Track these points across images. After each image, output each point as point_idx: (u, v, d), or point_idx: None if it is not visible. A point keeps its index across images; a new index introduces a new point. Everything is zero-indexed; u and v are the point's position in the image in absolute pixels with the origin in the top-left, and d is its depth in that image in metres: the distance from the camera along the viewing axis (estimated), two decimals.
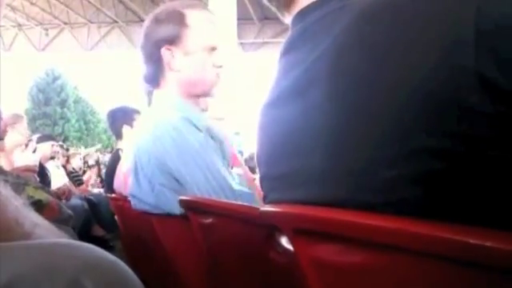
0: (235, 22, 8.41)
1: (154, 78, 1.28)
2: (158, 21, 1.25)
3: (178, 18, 1.24)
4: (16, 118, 3.17)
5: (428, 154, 0.43)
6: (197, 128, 1.17)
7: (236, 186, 1.13)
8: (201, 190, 1.09)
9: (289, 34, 0.66)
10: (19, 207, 0.58)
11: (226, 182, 1.11)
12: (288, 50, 0.65)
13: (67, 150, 6.37)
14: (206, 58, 1.26)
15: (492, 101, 0.40)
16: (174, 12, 1.25)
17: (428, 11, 0.45)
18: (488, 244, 0.33)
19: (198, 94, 1.30)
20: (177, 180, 1.12)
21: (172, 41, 1.23)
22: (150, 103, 2.10)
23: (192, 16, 1.25)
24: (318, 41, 0.57)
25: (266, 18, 14.68)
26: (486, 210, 0.41)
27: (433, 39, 0.43)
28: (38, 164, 2.96)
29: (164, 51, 1.23)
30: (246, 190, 1.15)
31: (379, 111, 0.47)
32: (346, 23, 0.52)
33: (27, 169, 2.58)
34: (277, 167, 0.64)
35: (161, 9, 1.29)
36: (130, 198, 1.33)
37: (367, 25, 0.50)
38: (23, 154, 3.06)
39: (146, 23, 1.28)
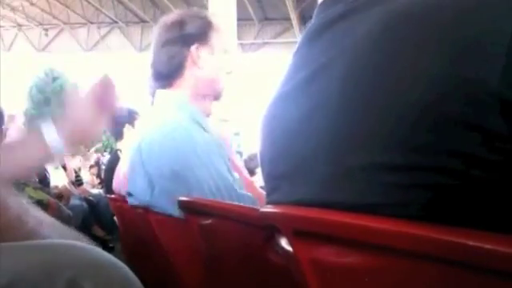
0: (235, 22, 8.41)
1: (170, 77, 1.30)
2: (183, 22, 1.29)
3: (205, 19, 1.31)
4: (10, 118, 3.18)
5: (432, 170, 0.43)
6: (204, 129, 1.19)
7: (239, 189, 1.13)
8: (205, 190, 1.09)
9: (311, 23, 0.65)
10: (24, 205, 0.58)
11: (230, 184, 1.12)
12: (303, 44, 0.64)
13: None
14: (223, 60, 1.33)
15: (509, 125, 0.40)
16: (198, 14, 1.32)
17: (456, 26, 0.44)
18: (487, 246, 0.33)
19: (211, 95, 1.33)
20: (181, 179, 1.11)
21: (202, 39, 1.28)
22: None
23: (213, 19, 1.32)
24: (337, 40, 0.56)
25: (266, 18, 14.69)
26: (487, 222, 0.41)
27: (460, 56, 0.42)
28: None
29: (194, 49, 1.27)
30: (248, 193, 1.15)
31: (384, 117, 0.47)
32: (367, 29, 0.52)
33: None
34: (280, 165, 0.63)
35: (178, 14, 1.33)
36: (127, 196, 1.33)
37: (389, 32, 0.49)
38: None
39: (166, 27, 1.31)
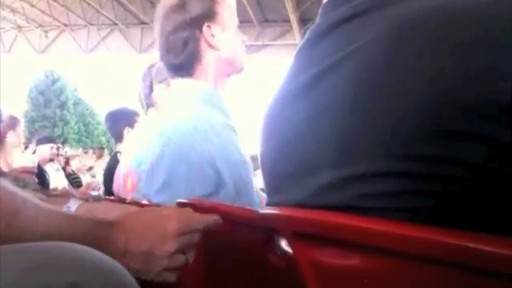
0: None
1: (188, 67, 1.22)
2: (185, 3, 1.20)
3: None
4: (15, 121, 3.18)
5: (433, 178, 0.43)
6: (224, 114, 1.16)
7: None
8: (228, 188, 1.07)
9: (315, 24, 0.64)
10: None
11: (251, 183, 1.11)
12: (306, 45, 0.64)
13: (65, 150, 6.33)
14: (237, 34, 1.26)
15: None
16: None
17: (464, 37, 0.44)
18: (488, 249, 0.33)
19: (233, 73, 1.27)
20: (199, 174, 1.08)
21: (211, 16, 1.19)
22: (148, 106, 2.10)
23: None
24: (343, 43, 0.55)
25: (266, 20, 14.68)
26: (485, 224, 0.41)
27: (467, 68, 0.42)
28: (36, 166, 2.95)
29: (206, 29, 1.19)
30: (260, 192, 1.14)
31: (386, 124, 0.47)
32: (374, 33, 0.51)
33: (25, 170, 2.57)
34: (281, 167, 0.63)
35: None
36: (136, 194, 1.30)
37: (397, 38, 0.49)
38: (22, 155, 3.06)
39: (168, 14, 1.21)
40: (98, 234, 0.59)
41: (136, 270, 0.60)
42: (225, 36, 1.21)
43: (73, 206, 0.73)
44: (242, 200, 1.08)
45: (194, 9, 1.19)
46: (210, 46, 1.20)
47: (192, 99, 1.18)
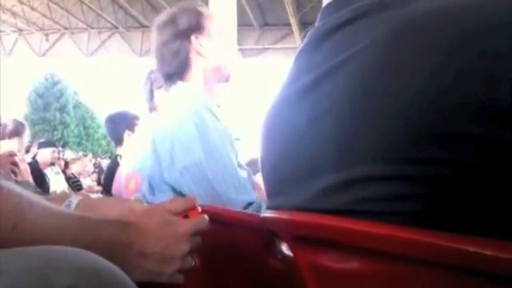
0: (235, 27, 8.43)
1: (179, 74, 1.32)
2: (174, 19, 1.32)
3: (195, 10, 1.34)
4: (21, 128, 3.14)
5: (431, 181, 0.44)
6: (216, 118, 1.22)
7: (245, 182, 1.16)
8: (217, 177, 1.11)
9: (315, 27, 0.64)
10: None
11: (237, 174, 1.15)
12: (306, 49, 0.64)
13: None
14: (222, 43, 1.36)
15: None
16: (188, 7, 1.35)
17: (462, 37, 0.44)
18: (487, 252, 0.33)
19: (221, 80, 1.36)
20: (196, 165, 1.13)
21: (198, 28, 1.31)
22: (151, 110, 2.11)
23: (202, 8, 1.37)
24: (343, 46, 0.55)
25: (266, 24, 14.71)
26: (483, 225, 0.41)
27: (464, 69, 0.43)
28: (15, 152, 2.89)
29: (194, 39, 1.30)
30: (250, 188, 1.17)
31: (382, 123, 0.47)
32: (374, 36, 0.51)
33: (11, 153, 2.49)
34: (282, 170, 0.63)
35: (167, 13, 1.37)
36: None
37: (397, 41, 0.49)
38: (23, 158, 3.02)
39: (160, 29, 1.33)
40: (113, 235, 0.59)
41: (150, 271, 0.60)
42: (212, 45, 1.32)
43: (74, 201, 0.73)
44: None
45: (182, 23, 1.31)
46: (199, 54, 1.31)
47: (186, 98, 1.28)
